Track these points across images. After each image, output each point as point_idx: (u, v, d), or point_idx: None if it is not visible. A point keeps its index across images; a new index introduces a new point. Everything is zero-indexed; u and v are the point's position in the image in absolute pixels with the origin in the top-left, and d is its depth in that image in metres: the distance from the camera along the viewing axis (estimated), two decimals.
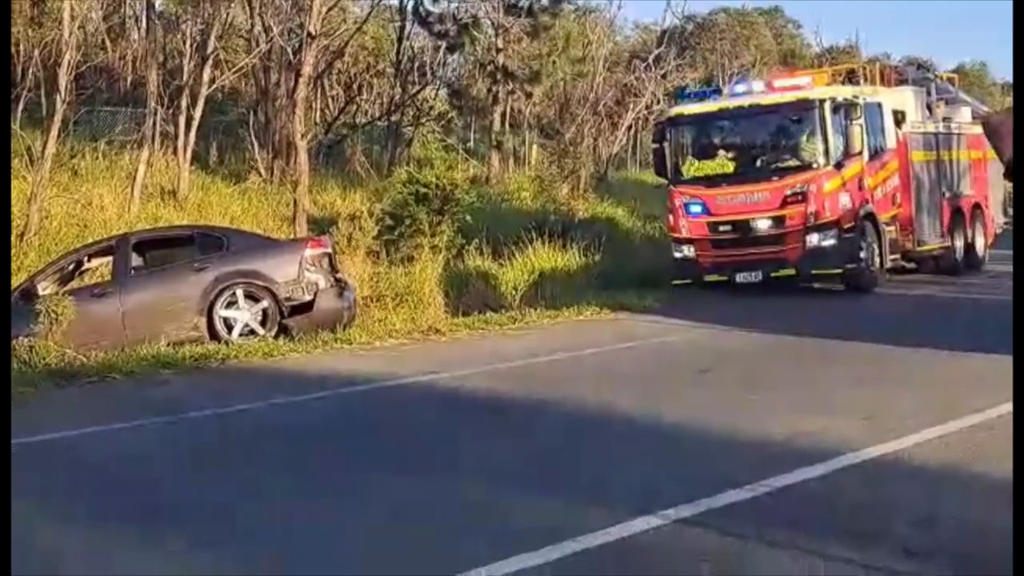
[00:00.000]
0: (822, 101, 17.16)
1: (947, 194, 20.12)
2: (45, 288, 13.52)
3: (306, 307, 13.59)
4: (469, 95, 31.37)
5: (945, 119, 20.92)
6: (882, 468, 6.67)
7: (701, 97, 18.77)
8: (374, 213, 18.15)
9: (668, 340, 13.38)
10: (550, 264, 19.04)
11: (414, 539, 5.70)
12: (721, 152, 17.80)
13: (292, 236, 17.61)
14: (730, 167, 17.56)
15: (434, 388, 10.50)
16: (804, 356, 11.46)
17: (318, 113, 29.99)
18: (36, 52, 23.13)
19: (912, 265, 19.43)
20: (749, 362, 11.34)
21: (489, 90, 29.32)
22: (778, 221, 17.06)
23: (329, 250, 14.35)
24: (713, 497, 6.01)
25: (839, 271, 17.14)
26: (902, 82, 20.40)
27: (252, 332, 13.35)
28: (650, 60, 33.16)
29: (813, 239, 16.92)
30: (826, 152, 17.12)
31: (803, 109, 17.24)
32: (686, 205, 17.59)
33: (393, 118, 29.45)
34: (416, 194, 18.92)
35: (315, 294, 13.61)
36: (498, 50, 28.33)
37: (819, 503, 6.03)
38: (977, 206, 21.05)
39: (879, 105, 18.24)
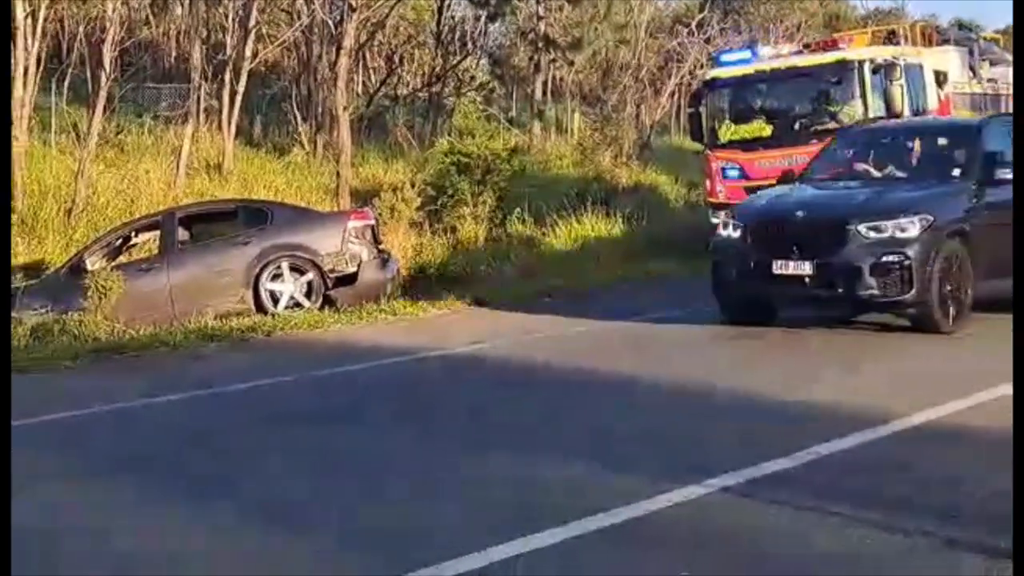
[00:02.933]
0: (861, 62, 16.74)
1: None
2: (93, 263, 13.70)
3: (350, 279, 13.68)
4: (510, 64, 31.33)
5: (990, 80, 20.45)
6: (919, 437, 6.67)
7: (738, 61, 18.29)
8: (416, 184, 18.22)
9: (709, 308, 13.34)
10: (594, 232, 19.03)
11: (442, 511, 5.75)
12: (758, 115, 17.51)
13: (335, 208, 17.71)
14: (767, 131, 17.26)
15: (477, 358, 10.55)
16: (841, 320, 11.42)
17: (360, 85, 30.05)
18: (80, 29, 23.32)
19: None
20: (788, 330, 11.32)
21: (530, 59, 29.26)
22: None
23: (372, 222, 14.43)
24: (752, 468, 6.03)
25: None
26: (944, 42, 19.92)
27: (297, 304, 13.47)
28: (693, 25, 32.90)
29: None
30: (865, 114, 16.66)
31: (842, 70, 16.84)
32: (723, 170, 17.37)
33: (434, 89, 29.46)
34: (457, 164, 18.96)
35: (359, 266, 13.70)
36: (539, 18, 28.24)
37: (855, 472, 6.02)
38: None
39: (920, 66, 17.78)
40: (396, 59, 31.20)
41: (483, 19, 31.20)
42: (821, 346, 10.22)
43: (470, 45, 31.77)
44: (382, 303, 13.54)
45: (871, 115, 16.50)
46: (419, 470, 6.58)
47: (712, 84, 18.00)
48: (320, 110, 24.60)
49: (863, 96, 16.70)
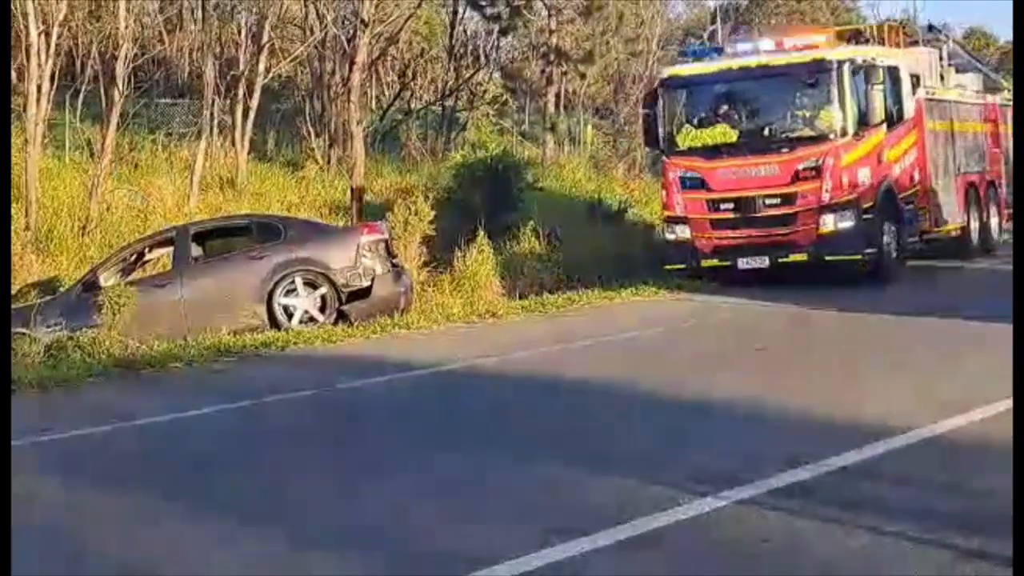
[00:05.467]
0: (840, 62, 15.11)
1: (962, 169, 18.25)
2: (107, 280, 13.70)
3: (364, 293, 13.66)
4: (523, 77, 31.33)
5: (958, 86, 19.04)
6: (947, 444, 6.62)
7: (700, 56, 16.71)
8: (429, 198, 18.18)
9: (723, 320, 13.34)
10: (606, 245, 18.95)
11: (466, 522, 5.72)
12: (723, 119, 15.73)
13: (348, 223, 17.69)
14: (733, 136, 15.55)
15: (490, 371, 10.53)
16: (860, 333, 11.37)
17: (373, 100, 30.08)
18: (94, 46, 23.39)
19: (924, 247, 17.19)
20: (806, 340, 11.28)
21: (543, 72, 29.25)
22: (788, 199, 15.14)
23: (385, 236, 14.41)
24: (774, 477, 5.99)
25: (858, 257, 15.16)
26: (912, 44, 18.15)
27: (311, 319, 13.46)
28: (704, 37, 32.87)
29: (828, 220, 14.97)
30: (844, 120, 15.06)
31: (819, 71, 15.17)
32: (681, 180, 15.68)
33: (447, 103, 29.47)
34: (470, 178, 18.94)
35: (372, 280, 13.68)
36: (551, 31, 28.22)
37: (882, 481, 5.97)
38: (992, 183, 19.34)
39: (896, 68, 15.90)
40: (409, 73, 31.20)
41: (495, 33, 31.22)
42: (841, 356, 10.16)
43: (482, 59, 31.81)
44: (396, 317, 13.53)
45: (849, 121, 15.13)
46: (433, 484, 6.55)
47: (670, 83, 16.26)
48: (333, 125, 24.62)
49: (841, 100, 15.13)
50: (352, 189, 19.52)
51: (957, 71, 19.43)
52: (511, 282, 16.62)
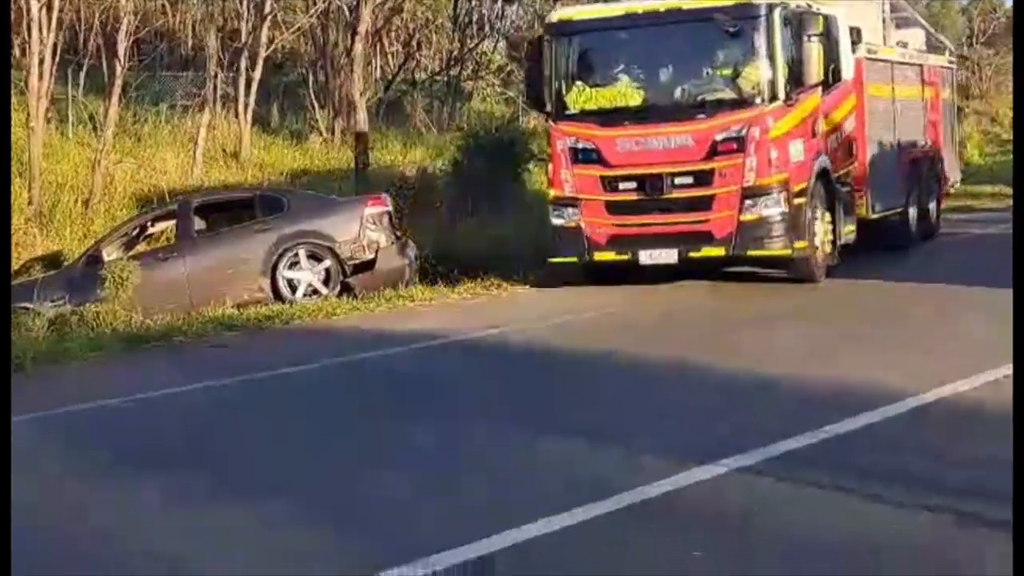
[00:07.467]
0: (771, 7, 12.30)
1: (903, 143, 15.57)
2: (110, 254, 13.70)
3: (368, 266, 13.63)
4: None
5: (899, 43, 16.17)
6: (942, 412, 6.62)
7: None
8: (434, 169, 18.16)
9: (730, 289, 13.27)
10: None
11: (467, 491, 5.74)
12: (625, 76, 13.00)
13: (352, 195, 17.64)
14: (637, 98, 12.82)
15: (495, 343, 10.52)
16: (853, 301, 11.37)
17: (377, 70, 30.01)
18: (96, 19, 23.33)
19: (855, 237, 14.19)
20: (802, 311, 11.26)
21: None
22: (703, 178, 12.35)
23: (389, 208, 14.35)
24: (772, 445, 5.99)
25: (787, 252, 12.40)
26: None
27: (315, 292, 13.44)
28: None
29: (752, 206, 12.25)
30: (773, 80, 12.32)
31: (744, 17, 12.36)
32: (572, 151, 12.85)
33: (452, 73, 29.41)
34: (475, 148, 18.89)
35: (376, 252, 13.65)
36: (556, 0, 28.10)
37: (879, 449, 5.98)
38: (932, 159, 16.74)
39: (833, 18, 12.97)
40: (413, 43, 31.14)
41: (500, 2, 31.11)
42: (834, 326, 10.14)
43: (487, 28, 31.70)
44: (400, 289, 13.50)
45: (780, 81, 12.39)
46: (438, 457, 6.55)
47: (559, 29, 13.24)
48: (337, 96, 24.59)
49: (771, 54, 12.32)
50: (356, 160, 19.47)
51: (898, 27, 16.61)
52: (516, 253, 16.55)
